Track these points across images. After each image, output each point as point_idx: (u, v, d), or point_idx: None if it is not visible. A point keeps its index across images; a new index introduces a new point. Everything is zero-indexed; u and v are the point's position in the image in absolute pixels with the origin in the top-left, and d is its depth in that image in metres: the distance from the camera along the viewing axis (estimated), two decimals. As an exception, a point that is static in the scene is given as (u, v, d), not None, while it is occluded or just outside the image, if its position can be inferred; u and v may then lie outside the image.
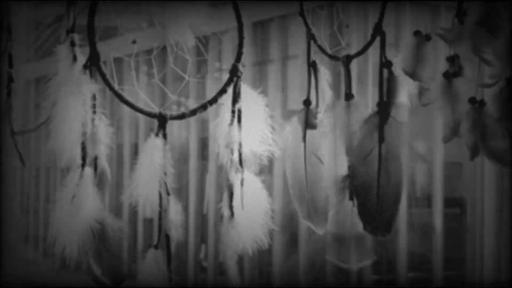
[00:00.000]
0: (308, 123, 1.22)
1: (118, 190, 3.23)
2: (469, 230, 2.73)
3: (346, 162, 1.16)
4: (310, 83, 1.24)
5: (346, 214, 1.16)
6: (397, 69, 1.17)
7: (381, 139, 1.13)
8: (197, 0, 1.04)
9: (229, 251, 1.06)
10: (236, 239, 1.06)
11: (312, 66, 1.25)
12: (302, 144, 1.22)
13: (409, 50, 1.22)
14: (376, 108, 1.15)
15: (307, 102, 1.23)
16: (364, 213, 1.13)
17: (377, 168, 1.12)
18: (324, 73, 1.25)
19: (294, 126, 1.23)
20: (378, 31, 1.18)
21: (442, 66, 1.24)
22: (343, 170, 1.17)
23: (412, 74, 1.20)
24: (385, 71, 1.17)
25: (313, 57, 1.26)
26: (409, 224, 2.73)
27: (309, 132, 1.22)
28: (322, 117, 1.23)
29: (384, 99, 1.15)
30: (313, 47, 1.25)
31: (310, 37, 1.25)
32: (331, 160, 1.20)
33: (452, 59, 1.23)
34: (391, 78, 1.15)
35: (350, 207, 1.15)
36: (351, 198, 1.15)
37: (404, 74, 1.19)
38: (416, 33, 1.23)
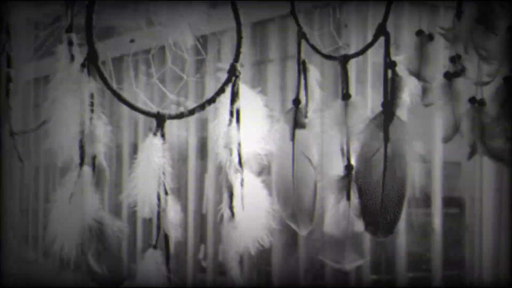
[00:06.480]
0: (297, 123, 1.21)
1: (117, 190, 3.23)
2: (468, 229, 2.73)
3: (342, 162, 1.16)
4: (299, 83, 1.24)
5: (342, 214, 1.15)
6: (400, 69, 1.16)
7: (387, 139, 1.12)
8: (196, 0, 1.04)
9: (231, 252, 1.05)
10: (238, 239, 1.05)
11: (302, 65, 1.24)
12: (290, 143, 1.21)
13: (413, 50, 1.21)
14: (380, 108, 1.14)
15: (296, 102, 1.23)
16: (366, 213, 1.12)
17: (382, 168, 1.11)
18: (314, 73, 1.25)
19: (282, 125, 1.22)
20: (382, 31, 1.16)
21: (444, 65, 1.23)
22: (338, 170, 1.16)
23: (417, 74, 1.19)
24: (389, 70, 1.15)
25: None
26: (408, 224, 2.72)
27: (298, 131, 1.21)
28: (313, 116, 1.22)
29: (389, 98, 1.14)
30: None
31: (301, 36, 1.24)
32: (325, 160, 1.19)
33: (454, 59, 1.23)
34: (396, 78, 1.14)
35: (346, 207, 1.15)
36: (348, 198, 1.15)
37: (409, 74, 1.18)
38: (419, 33, 1.23)
